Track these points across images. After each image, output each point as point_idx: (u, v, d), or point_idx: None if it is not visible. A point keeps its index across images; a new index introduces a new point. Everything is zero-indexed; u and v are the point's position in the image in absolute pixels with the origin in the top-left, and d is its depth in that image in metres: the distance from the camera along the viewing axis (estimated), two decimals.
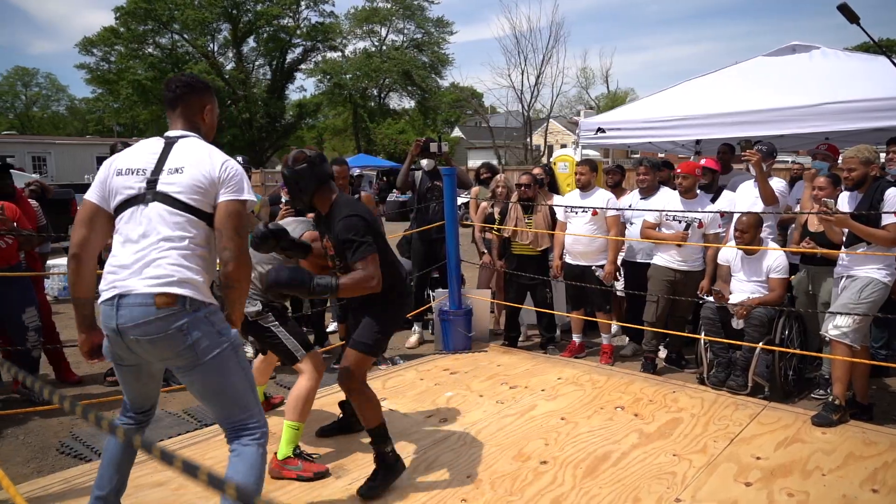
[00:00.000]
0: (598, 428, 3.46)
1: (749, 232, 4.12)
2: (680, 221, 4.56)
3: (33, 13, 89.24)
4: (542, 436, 3.37)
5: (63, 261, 8.11)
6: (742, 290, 4.21)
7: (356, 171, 6.69)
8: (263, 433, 2.18)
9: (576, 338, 5.12)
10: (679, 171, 4.67)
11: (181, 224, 2.07)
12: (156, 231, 2.05)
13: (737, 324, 4.11)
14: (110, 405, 4.01)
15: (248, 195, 2.16)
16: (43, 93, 55.54)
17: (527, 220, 5.08)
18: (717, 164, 5.38)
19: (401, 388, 4.16)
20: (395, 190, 21.20)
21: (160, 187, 2.08)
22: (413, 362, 4.81)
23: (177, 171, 2.10)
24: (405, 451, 3.17)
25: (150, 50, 36.99)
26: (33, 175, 14.44)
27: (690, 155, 7.27)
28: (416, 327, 5.66)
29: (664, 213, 4.59)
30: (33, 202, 4.72)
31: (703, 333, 4.25)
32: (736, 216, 4.28)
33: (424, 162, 5.49)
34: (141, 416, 2.34)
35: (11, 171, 4.91)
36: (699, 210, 4.50)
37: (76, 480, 2.88)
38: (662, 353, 4.87)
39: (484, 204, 5.73)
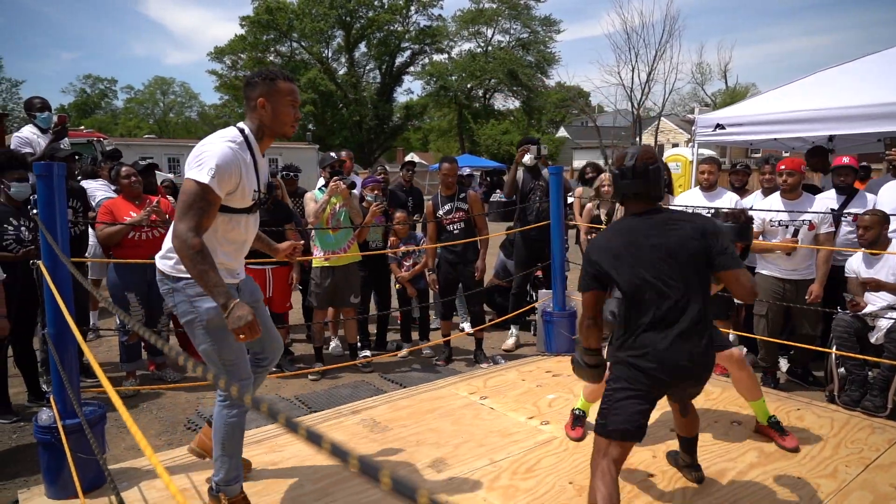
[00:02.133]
0: (712, 443, 3.25)
1: (874, 229, 3.72)
2: (787, 226, 4.17)
3: (170, 28, 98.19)
4: (650, 446, 3.21)
5: None
6: (876, 298, 3.80)
7: (466, 171, 6.73)
8: (227, 397, 2.44)
9: None
10: (783, 167, 4.21)
11: None
12: None
13: (875, 338, 3.72)
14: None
15: (193, 173, 2.18)
16: (178, 100, 60.90)
17: None
18: (857, 162, 4.89)
19: (502, 387, 4.14)
20: (497, 191, 21.21)
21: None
22: (515, 363, 4.77)
23: None
24: (506, 451, 3.15)
25: (271, 58, 39.45)
26: (169, 175, 15.83)
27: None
28: (513, 329, 5.58)
29: (766, 218, 4.22)
30: (170, 198, 5.16)
31: (834, 348, 3.88)
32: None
33: (526, 158, 5.37)
34: (257, 359, 2.73)
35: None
36: (806, 209, 4.10)
37: None
38: (784, 366, 4.50)
39: (589, 205, 5.58)
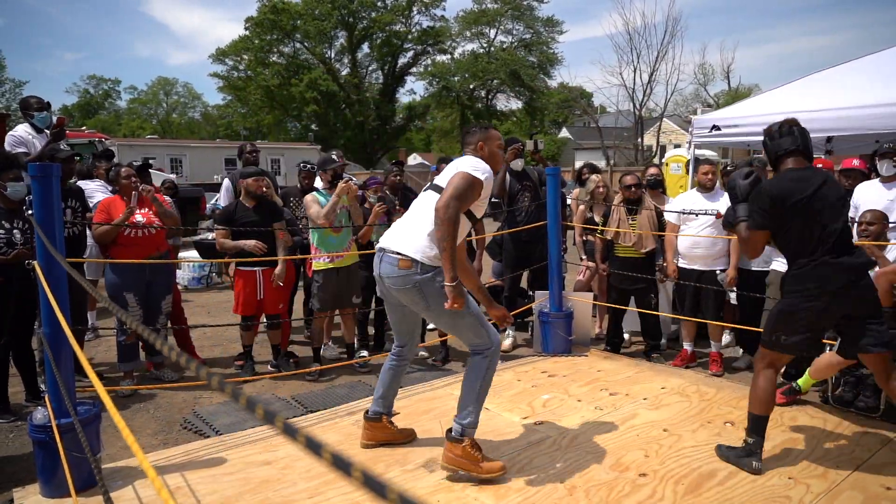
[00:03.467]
0: (704, 443, 3.26)
1: (877, 224, 3.75)
2: None
3: (174, 28, 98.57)
4: (643, 447, 3.22)
5: (192, 254, 8.84)
6: None
7: None
8: (488, 351, 2.87)
9: (687, 346, 4.87)
10: (820, 166, 4.26)
11: (431, 205, 2.75)
12: (419, 210, 2.87)
13: None
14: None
15: (470, 170, 2.74)
16: (181, 101, 61.03)
17: (630, 222, 4.89)
18: (867, 165, 4.88)
19: (498, 387, 4.14)
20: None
21: (436, 181, 2.95)
22: (511, 363, 4.78)
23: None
24: (499, 450, 3.17)
25: (273, 58, 39.53)
26: (171, 175, 15.90)
27: (820, 154, 6.69)
28: (509, 331, 5.58)
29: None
30: (168, 198, 5.19)
31: (828, 348, 3.88)
32: (859, 216, 3.91)
33: (518, 162, 5.35)
34: (400, 349, 3.18)
35: (152, 170, 5.46)
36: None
37: (195, 453, 3.14)
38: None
39: (581, 207, 5.59)
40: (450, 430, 2.90)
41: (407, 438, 3.28)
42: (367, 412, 3.23)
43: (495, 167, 2.97)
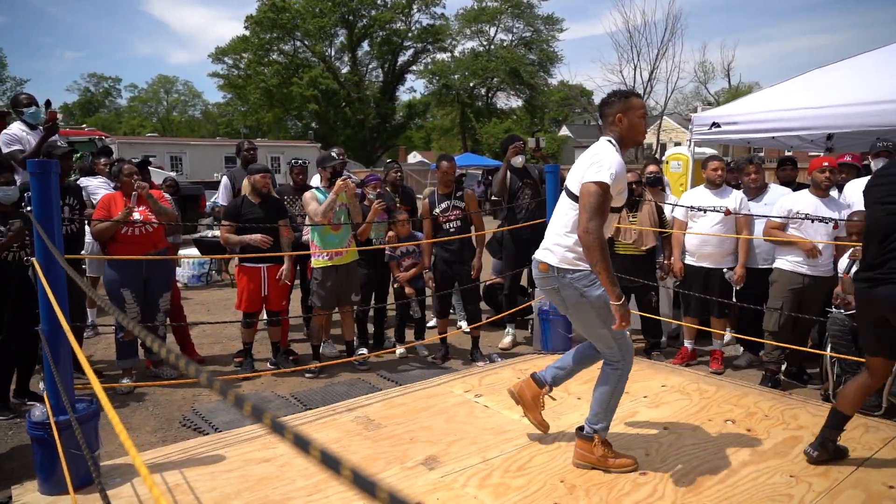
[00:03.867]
0: (705, 441, 3.25)
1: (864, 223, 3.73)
2: (813, 221, 4.16)
3: (174, 27, 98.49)
4: (643, 445, 3.21)
5: (192, 251, 8.83)
6: None
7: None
8: (619, 364, 2.84)
9: (687, 344, 4.85)
10: (827, 164, 4.23)
11: (565, 208, 2.74)
12: (555, 214, 2.82)
13: None
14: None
15: (593, 176, 2.55)
16: (181, 99, 60.97)
17: (631, 219, 4.88)
18: (860, 160, 4.88)
19: (497, 385, 4.14)
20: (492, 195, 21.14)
21: (567, 182, 2.78)
22: (511, 361, 4.77)
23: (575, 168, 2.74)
24: (498, 448, 3.16)
25: (273, 56, 39.48)
26: (171, 173, 15.87)
27: (820, 152, 6.67)
28: (508, 328, 5.58)
29: (791, 213, 4.23)
30: (168, 196, 5.17)
31: (829, 347, 3.88)
32: (847, 216, 3.91)
33: (519, 159, 5.35)
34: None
35: (152, 168, 5.44)
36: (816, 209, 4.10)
37: (193, 451, 3.13)
38: (781, 366, 4.50)
39: None
40: (581, 429, 2.96)
41: (542, 426, 3.20)
42: (536, 373, 3.19)
43: (636, 139, 2.77)
